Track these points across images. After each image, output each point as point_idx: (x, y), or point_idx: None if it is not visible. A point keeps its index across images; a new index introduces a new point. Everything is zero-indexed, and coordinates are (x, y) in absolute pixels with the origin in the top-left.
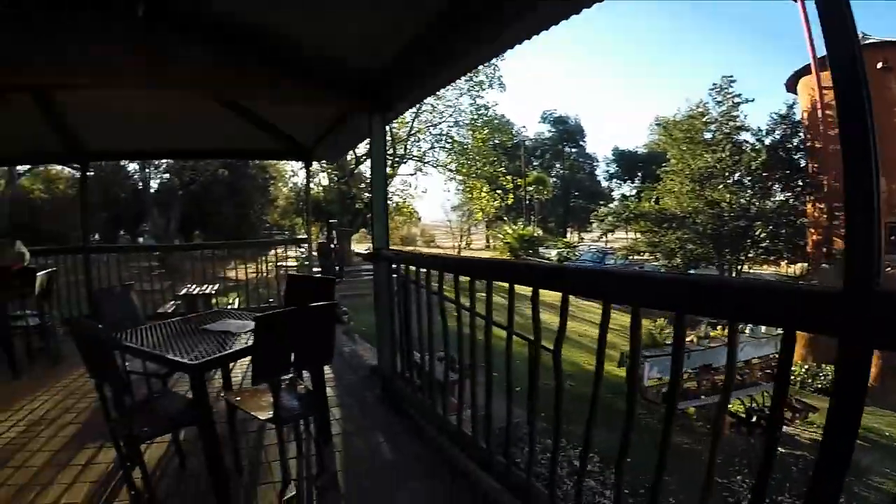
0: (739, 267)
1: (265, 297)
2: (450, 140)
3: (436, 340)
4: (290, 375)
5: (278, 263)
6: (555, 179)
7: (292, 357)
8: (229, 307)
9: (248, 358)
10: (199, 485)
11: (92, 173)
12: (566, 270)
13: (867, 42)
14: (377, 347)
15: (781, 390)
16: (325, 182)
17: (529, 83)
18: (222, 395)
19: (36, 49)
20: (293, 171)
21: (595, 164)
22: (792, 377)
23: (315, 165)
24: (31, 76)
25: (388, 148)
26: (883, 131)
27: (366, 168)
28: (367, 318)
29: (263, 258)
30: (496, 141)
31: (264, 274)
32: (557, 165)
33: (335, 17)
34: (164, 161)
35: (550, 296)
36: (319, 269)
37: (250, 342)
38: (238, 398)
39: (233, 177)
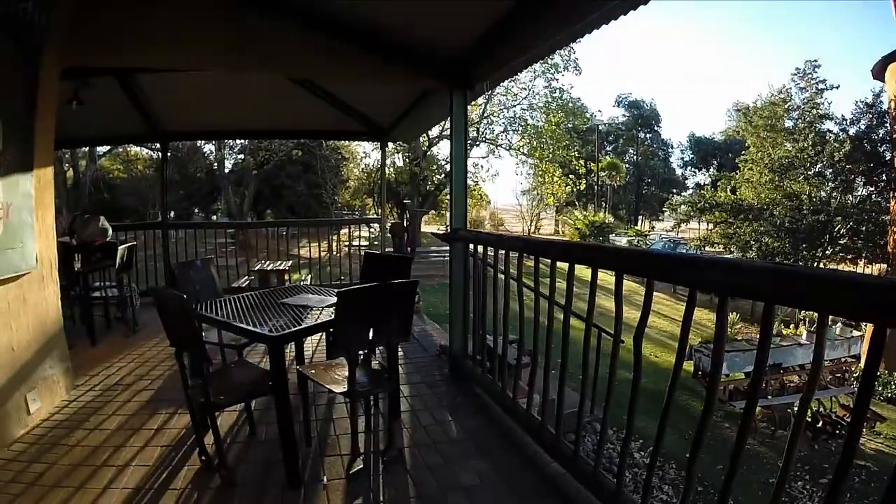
0: (816, 264)
1: (336, 275)
2: (523, 123)
3: (507, 323)
4: (365, 351)
5: (352, 243)
6: (628, 165)
7: (371, 333)
8: (302, 283)
9: (320, 333)
10: (268, 453)
11: (170, 154)
12: (651, 255)
13: None
14: (448, 327)
15: (866, 391)
16: (399, 163)
17: (605, 66)
18: (297, 367)
19: (123, 33)
20: (365, 153)
21: (670, 150)
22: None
23: (389, 147)
24: (120, 59)
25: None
26: None
27: (437, 150)
28: (433, 298)
29: (335, 237)
30: (570, 124)
31: (335, 252)
32: (631, 151)
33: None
34: (238, 142)
35: (611, 281)
36: (391, 249)
37: (326, 317)
38: (313, 371)
39: (306, 157)
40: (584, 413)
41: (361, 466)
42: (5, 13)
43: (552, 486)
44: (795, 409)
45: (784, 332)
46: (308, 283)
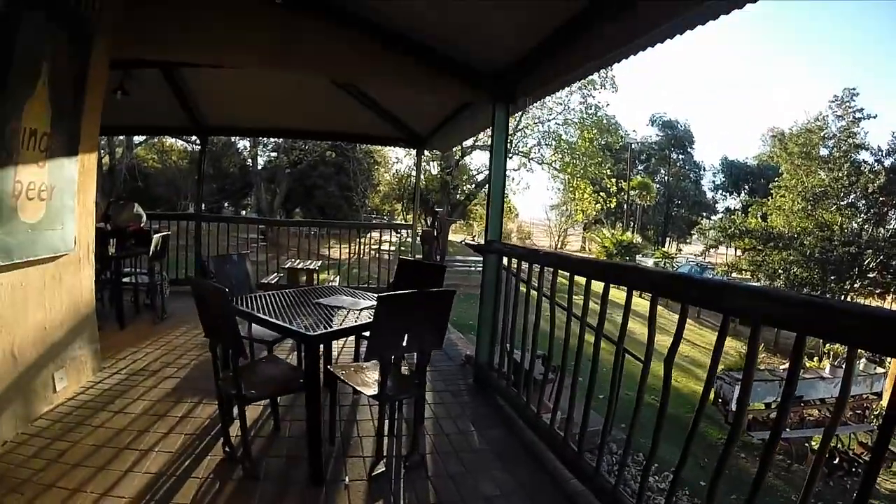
0: (844, 297)
1: (363, 278)
2: (556, 138)
3: (534, 338)
4: (396, 356)
5: (381, 248)
6: (658, 186)
7: (406, 338)
8: (331, 284)
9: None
10: (291, 448)
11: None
12: (688, 280)
13: None
14: (476, 338)
15: (888, 430)
16: (434, 171)
17: (641, 85)
18: (328, 367)
19: (172, 28)
20: (397, 158)
21: (701, 172)
22: (880, 420)
23: (425, 154)
24: (168, 54)
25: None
26: None
27: (469, 160)
28: (457, 308)
29: (363, 240)
30: (603, 142)
31: (362, 255)
32: (662, 171)
33: (468, 12)
34: (272, 140)
35: (640, 304)
36: (421, 256)
37: (352, 320)
38: (343, 372)
39: (339, 159)
40: (599, 433)
41: (384, 469)
42: (61, 3)
43: (572, 502)
44: (814, 443)
45: (807, 364)
46: (336, 284)
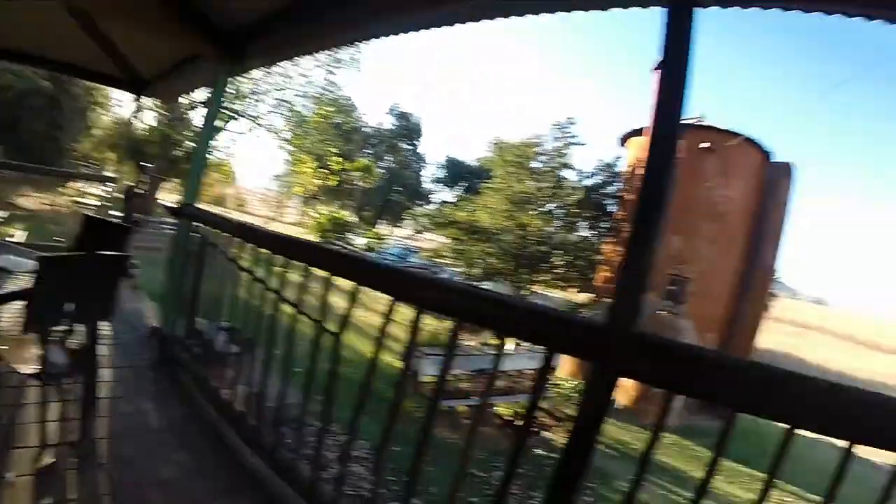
0: (532, 287)
1: (55, 233)
2: (291, 108)
3: (223, 310)
4: (63, 328)
5: (79, 199)
6: (382, 171)
7: (72, 307)
8: (8, 240)
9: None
10: None
11: None
12: (359, 261)
13: (699, 123)
14: (161, 308)
15: (536, 397)
16: (154, 122)
17: (387, 73)
18: None
19: None
20: (119, 102)
21: (424, 165)
22: (561, 390)
23: (147, 102)
24: None
25: (226, 102)
26: (692, 200)
27: (196, 115)
28: (158, 274)
29: (63, 190)
30: (337, 121)
31: (60, 208)
32: (389, 158)
33: None
34: None
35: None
36: (122, 214)
37: (25, 284)
38: (2, 347)
39: (55, 91)
40: (289, 406)
41: (53, 461)
42: None
43: (251, 479)
44: (497, 409)
45: (492, 341)
46: (19, 239)
